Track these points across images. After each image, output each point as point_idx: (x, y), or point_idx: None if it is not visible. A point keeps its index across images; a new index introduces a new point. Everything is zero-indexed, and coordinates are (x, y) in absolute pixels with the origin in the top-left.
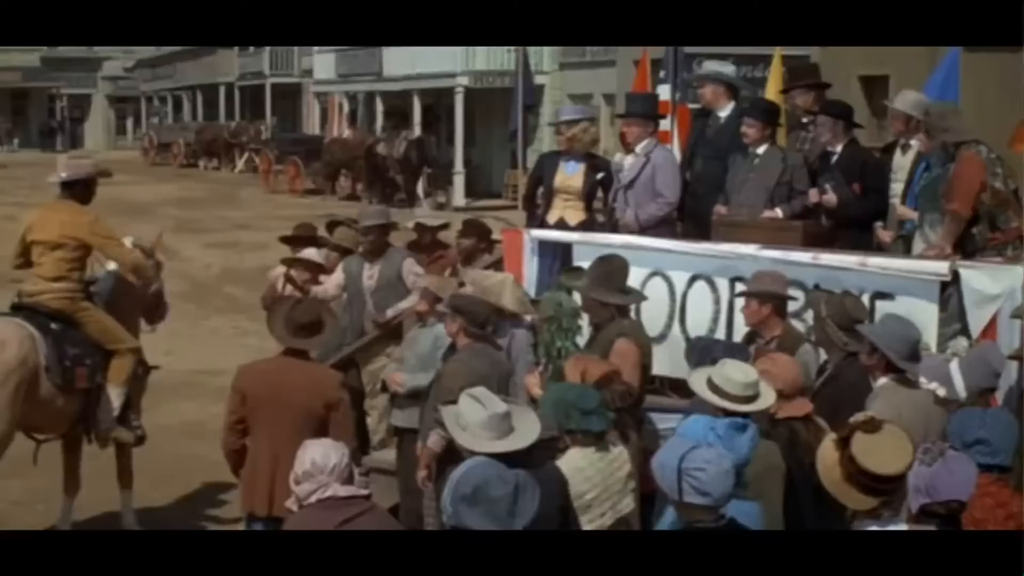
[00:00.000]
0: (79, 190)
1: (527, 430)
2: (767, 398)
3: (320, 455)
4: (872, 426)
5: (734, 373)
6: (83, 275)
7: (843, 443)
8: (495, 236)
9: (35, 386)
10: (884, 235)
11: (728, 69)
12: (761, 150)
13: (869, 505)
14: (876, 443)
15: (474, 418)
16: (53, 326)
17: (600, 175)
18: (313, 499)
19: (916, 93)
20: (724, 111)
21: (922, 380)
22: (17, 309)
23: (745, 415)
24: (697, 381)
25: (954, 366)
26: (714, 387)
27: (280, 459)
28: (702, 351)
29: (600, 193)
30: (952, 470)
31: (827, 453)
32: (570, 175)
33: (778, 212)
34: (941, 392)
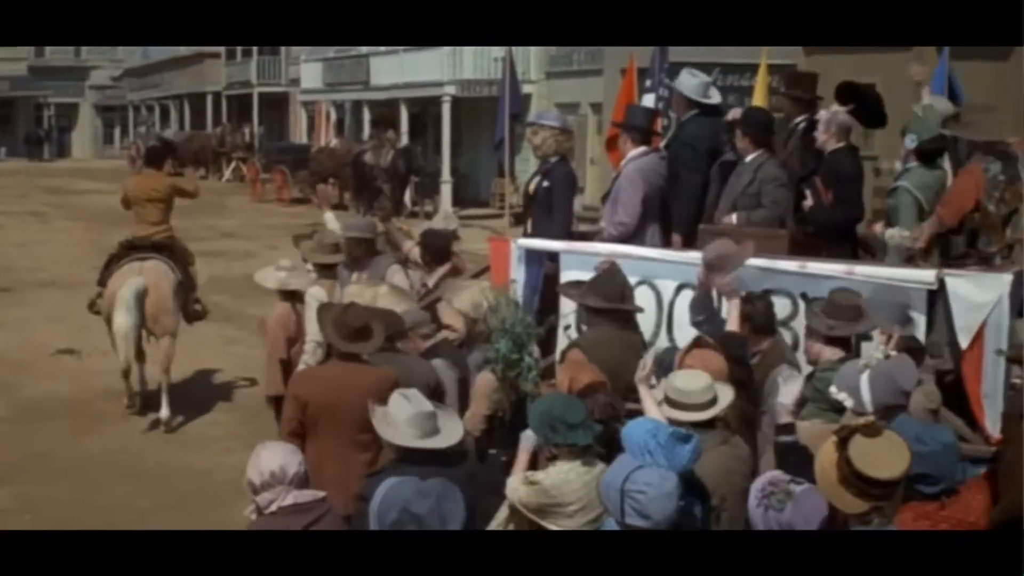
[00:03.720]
0: (156, 164)
1: (450, 433)
2: (725, 397)
3: (278, 465)
4: (871, 430)
5: (684, 383)
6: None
7: (842, 445)
8: (480, 246)
9: (178, 293)
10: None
11: (697, 80)
12: (749, 159)
13: (861, 509)
14: (873, 447)
15: (400, 415)
16: (163, 253)
17: (545, 183)
18: (274, 507)
19: (947, 102)
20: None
21: (832, 389)
22: (131, 248)
23: (711, 422)
24: (658, 398)
25: (864, 378)
26: (672, 402)
27: (347, 461)
28: (660, 366)
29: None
30: (803, 510)
31: (826, 455)
32: (534, 181)
33: (732, 218)
34: (848, 403)
